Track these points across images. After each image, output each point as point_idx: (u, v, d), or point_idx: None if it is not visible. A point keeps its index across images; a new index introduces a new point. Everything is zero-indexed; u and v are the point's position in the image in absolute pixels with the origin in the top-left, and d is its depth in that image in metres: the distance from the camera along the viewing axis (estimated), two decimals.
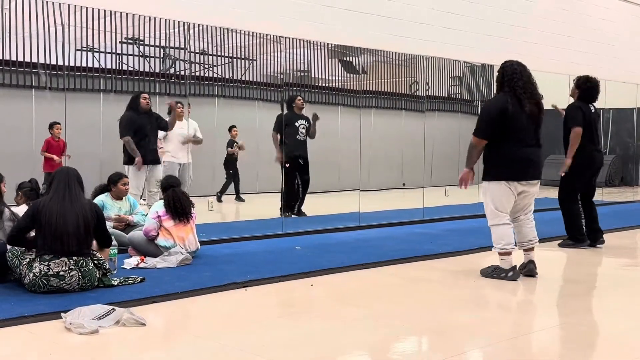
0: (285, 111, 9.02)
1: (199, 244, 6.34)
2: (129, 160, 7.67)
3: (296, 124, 8.99)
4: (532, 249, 5.73)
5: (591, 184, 7.34)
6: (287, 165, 8.89)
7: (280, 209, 8.73)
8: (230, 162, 10.06)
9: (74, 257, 4.83)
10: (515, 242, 5.72)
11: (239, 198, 10.20)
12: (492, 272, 5.65)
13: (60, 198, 4.92)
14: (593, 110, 7.14)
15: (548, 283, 5.57)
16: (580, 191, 7.24)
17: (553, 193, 12.37)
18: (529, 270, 5.68)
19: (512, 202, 5.59)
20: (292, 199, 9.01)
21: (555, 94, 12.06)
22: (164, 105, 8.45)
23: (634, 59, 13.45)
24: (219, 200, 10.09)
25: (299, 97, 9.24)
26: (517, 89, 5.45)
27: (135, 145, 7.57)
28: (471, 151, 5.63)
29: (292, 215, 8.98)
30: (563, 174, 7.11)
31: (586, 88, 7.14)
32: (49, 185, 5.12)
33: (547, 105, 6.05)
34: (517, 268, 5.65)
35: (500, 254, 5.61)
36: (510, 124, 5.43)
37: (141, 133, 7.69)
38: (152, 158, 7.83)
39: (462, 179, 5.68)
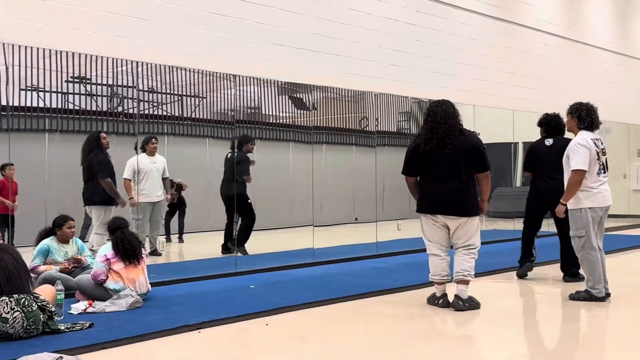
0: (235, 150, 8.96)
1: (149, 285, 6.19)
2: (101, 201, 7.52)
3: None
4: (463, 281, 5.72)
5: (541, 215, 7.51)
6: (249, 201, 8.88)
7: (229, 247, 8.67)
8: (179, 200, 9.62)
9: (14, 295, 4.66)
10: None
11: (181, 239, 9.74)
12: (429, 298, 5.98)
13: None
14: (549, 144, 7.34)
15: (506, 315, 5.60)
16: (532, 219, 7.49)
17: (502, 224, 12.66)
18: (446, 302, 5.79)
19: (437, 233, 5.82)
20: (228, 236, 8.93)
21: (500, 128, 12.41)
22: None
23: (574, 93, 13.90)
24: (168, 240, 9.78)
25: (252, 143, 9.07)
26: (421, 130, 5.87)
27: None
28: (409, 189, 6.04)
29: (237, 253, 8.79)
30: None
31: (546, 122, 7.56)
32: None
33: (491, 138, 6.27)
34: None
35: (434, 282, 5.94)
36: (422, 161, 5.78)
37: (109, 174, 7.67)
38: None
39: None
